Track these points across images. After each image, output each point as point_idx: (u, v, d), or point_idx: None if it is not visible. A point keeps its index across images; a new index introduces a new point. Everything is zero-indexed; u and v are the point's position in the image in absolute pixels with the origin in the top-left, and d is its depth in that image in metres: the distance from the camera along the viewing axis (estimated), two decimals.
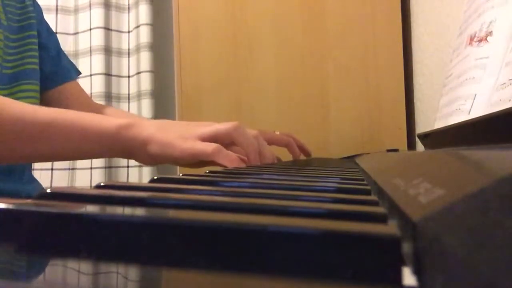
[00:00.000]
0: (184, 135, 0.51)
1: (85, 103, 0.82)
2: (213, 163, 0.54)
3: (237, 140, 0.52)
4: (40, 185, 0.78)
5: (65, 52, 0.86)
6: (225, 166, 0.51)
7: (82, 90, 0.84)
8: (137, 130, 0.51)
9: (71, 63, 0.85)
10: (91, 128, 0.51)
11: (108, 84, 1.54)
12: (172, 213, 0.14)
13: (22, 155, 0.52)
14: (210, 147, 0.49)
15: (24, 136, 0.49)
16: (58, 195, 0.16)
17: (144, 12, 1.52)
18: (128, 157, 0.54)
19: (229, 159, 0.49)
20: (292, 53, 1.03)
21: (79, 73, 0.86)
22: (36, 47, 0.74)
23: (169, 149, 0.50)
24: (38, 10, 0.79)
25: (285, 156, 0.74)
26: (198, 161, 0.52)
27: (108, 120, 0.52)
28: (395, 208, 0.14)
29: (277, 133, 0.73)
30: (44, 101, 0.77)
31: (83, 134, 0.50)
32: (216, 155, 0.49)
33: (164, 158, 0.51)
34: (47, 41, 0.79)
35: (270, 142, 0.69)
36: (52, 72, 0.78)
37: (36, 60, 0.74)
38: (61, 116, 0.51)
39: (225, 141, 0.52)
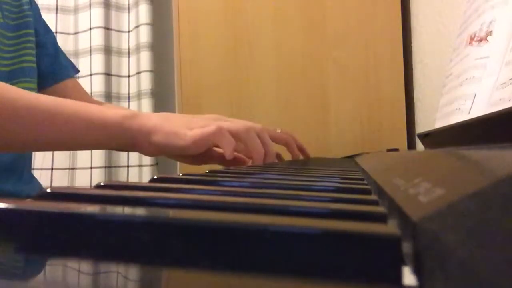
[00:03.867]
0: (189, 126, 0.51)
1: (84, 101, 0.82)
2: (211, 159, 0.54)
3: (245, 142, 0.52)
4: (40, 185, 0.78)
5: (65, 52, 0.86)
6: (226, 165, 0.51)
7: (81, 88, 0.84)
8: (141, 120, 0.51)
9: (69, 61, 0.85)
10: (95, 117, 0.50)
11: (108, 84, 1.54)
12: (172, 213, 0.14)
13: (24, 142, 0.51)
14: (211, 127, 0.49)
15: (27, 122, 0.48)
16: (58, 195, 0.16)
17: (144, 12, 1.52)
18: (132, 147, 0.53)
19: (228, 142, 0.49)
20: (292, 53, 1.03)
21: (78, 71, 0.86)
22: (33, 45, 0.74)
23: (174, 138, 0.50)
24: (35, 8, 0.79)
25: (284, 155, 0.74)
26: (199, 154, 0.51)
27: (113, 110, 0.51)
28: (395, 208, 0.14)
29: (279, 131, 0.73)
30: None
31: (87, 123, 0.49)
32: (218, 135, 0.49)
33: (168, 148, 0.51)
34: (44, 39, 0.79)
35: (271, 140, 0.69)
36: (50, 70, 0.78)
37: (33, 58, 0.74)
38: (65, 104, 0.50)
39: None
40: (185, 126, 0.50)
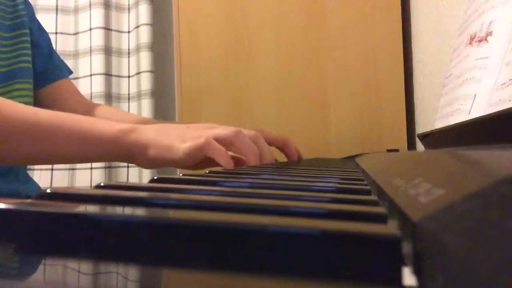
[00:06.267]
0: (182, 138, 0.51)
1: (78, 101, 0.82)
2: (210, 164, 0.54)
3: (237, 146, 0.53)
4: (36, 184, 0.78)
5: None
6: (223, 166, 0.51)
7: (74, 88, 0.84)
8: (137, 134, 0.52)
9: (63, 62, 0.85)
10: (92, 132, 0.51)
11: (108, 84, 1.54)
12: (172, 213, 0.14)
13: (22, 157, 0.52)
14: (200, 140, 0.50)
15: (25, 137, 0.49)
16: (58, 195, 0.16)
17: (144, 12, 1.52)
18: (128, 161, 0.54)
19: (220, 152, 0.50)
20: (292, 53, 1.03)
21: (71, 72, 0.86)
22: (29, 45, 0.74)
23: (167, 152, 0.51)
24: (29, 8, 0.79)
25: (281, 156, 0.73)
26: (197, 163, 0.52)
27: (109, 125, 0.52)
28: (395, 208, 0.14)
29: (274, 133, 0.72)
30: (36, 100, 0.77)
31: (84, 138, 0.51)
32: (207, 147, 0.49)
33: (163, 162, 0.52)
34: (38, 39, 0.79)
35: (268, 143, 0.69)
36: (45, 70, 0.78)
37: (29, 59, 0.73)
38: (63, 119, 0.51)
39: (225, 146, 0.52)
40: (178, 139, 0.51)
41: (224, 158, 0.50)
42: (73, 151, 0.51)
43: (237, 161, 0.54)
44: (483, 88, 0.44)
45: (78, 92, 0.85)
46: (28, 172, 0.79)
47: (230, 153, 0.53)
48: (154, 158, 0.51)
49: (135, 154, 0.52)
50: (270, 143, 0.68)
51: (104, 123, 0.53)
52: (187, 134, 0.52)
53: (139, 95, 1.53)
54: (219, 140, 0.52)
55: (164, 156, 0.51)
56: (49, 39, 0.83)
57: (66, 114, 0.53)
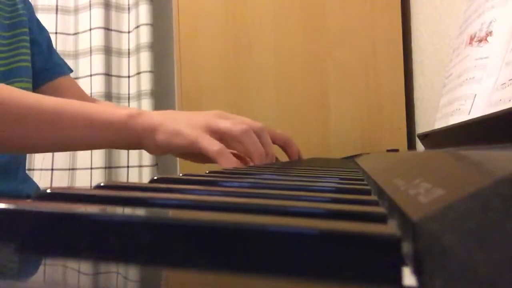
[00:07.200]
0: (192, 124, 0.51)
1: (80, 98, 0.81)
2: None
3: (245, 145, 0.52)
4: (35, 184, 0.78)
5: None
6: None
7: (76, 86, 0.84)
8: (145, 118, 0.51)
9: (62, 59, 0.85)
10: (98, 116, 0.50)
11: (108, 84, 1.54)
12: (172, 213, 0.14)
13: (29, 144, 0.51)
14: (215, 147, 0.49)
15: (30, 124, 0.48)
16: (58, 195, 0.16)
17: (144, 12, 1.52)
18: (136, 146, 0.53)
19: (230, 162, 0.49)
20: (292, 53, 1.03)
21: (71, 70, 0.86)
22: (28, 44, 0.74)
23: (176, 137, 0.50)
24: (28, 6, 0.79)
25: (282, 155, 0.73)
26: (201, 154, 0.52)
27: (116, 109, 0.52)
28: (395, 208, 0.14)
29: (278, 132, 0.72)
30: None
31: (91, 123, 0.50)
32: (219, 156, 0.49)
33: (171, 147, 0.51)
34: (38, 36, 0.79)
35: (271, 140, 0.69)
36: (44, 67, 0.78)
37: (28, 58, 0.73)
38: (68, 105, 0.51)
39: (231, 140, 0.52)
40: (188, 124, 0.51)
41: (231, 166, 0.50)
42: (79, 137, 0.51)
43: (242, 161, 0.54)
44: (483, 88, 0.44)
45: (80, 89, 0.85)
46: (28, 172, 0.79)
47: (235, 152, 0.53)
48: (164, 143, 0.51)
49: (143, 138, 0.51)
50: (272, 141, 0.68)
51: (110, 107, 0.53)
52: (196, 121, 0.52)
53: (139, 95, 1.53)
54: (228, 134, 0.51)
55: (173, 141, 0.50)
56: (48, 37, 0.83)
57: (70, 100, 0.52)
